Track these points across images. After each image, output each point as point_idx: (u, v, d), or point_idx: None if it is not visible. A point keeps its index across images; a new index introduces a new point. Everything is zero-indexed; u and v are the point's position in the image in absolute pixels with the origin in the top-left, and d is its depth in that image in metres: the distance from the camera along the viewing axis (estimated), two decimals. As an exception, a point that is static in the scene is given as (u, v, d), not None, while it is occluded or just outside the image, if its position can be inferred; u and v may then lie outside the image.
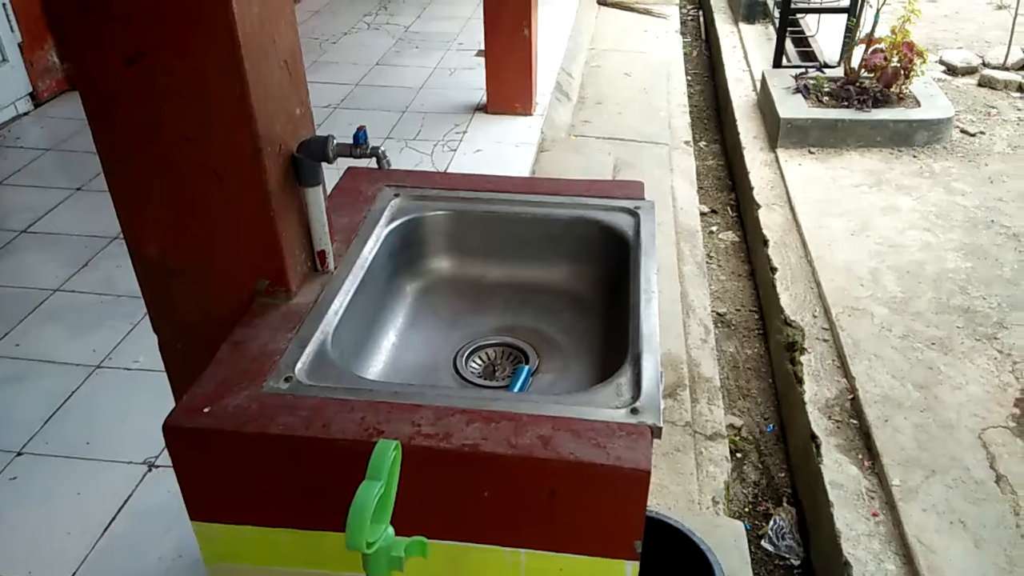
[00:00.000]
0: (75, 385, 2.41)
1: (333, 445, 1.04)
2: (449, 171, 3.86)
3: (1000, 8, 6.28)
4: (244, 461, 1.09)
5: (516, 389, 1.34)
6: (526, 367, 1.42)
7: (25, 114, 4.13)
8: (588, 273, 1.66)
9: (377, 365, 1.42)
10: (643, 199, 1.68)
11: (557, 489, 1.05)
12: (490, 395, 1.18)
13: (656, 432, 1.08)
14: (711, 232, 4.25)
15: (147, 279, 1.32)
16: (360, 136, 1.30)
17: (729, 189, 4.66)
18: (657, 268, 1.58)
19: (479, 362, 1.49)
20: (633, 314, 1.33)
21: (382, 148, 1.32)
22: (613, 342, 1.45)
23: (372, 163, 1.48)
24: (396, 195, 1.67)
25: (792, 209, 3.83)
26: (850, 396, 2.67)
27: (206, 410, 1.08)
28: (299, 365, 1.17)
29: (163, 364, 1.41)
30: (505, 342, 1.53)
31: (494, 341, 1.53)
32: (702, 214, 4.30)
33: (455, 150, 4.07)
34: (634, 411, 1.10)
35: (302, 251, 1.35)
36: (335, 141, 1.29)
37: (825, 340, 2.96)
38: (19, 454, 2.18)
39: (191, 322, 1.33)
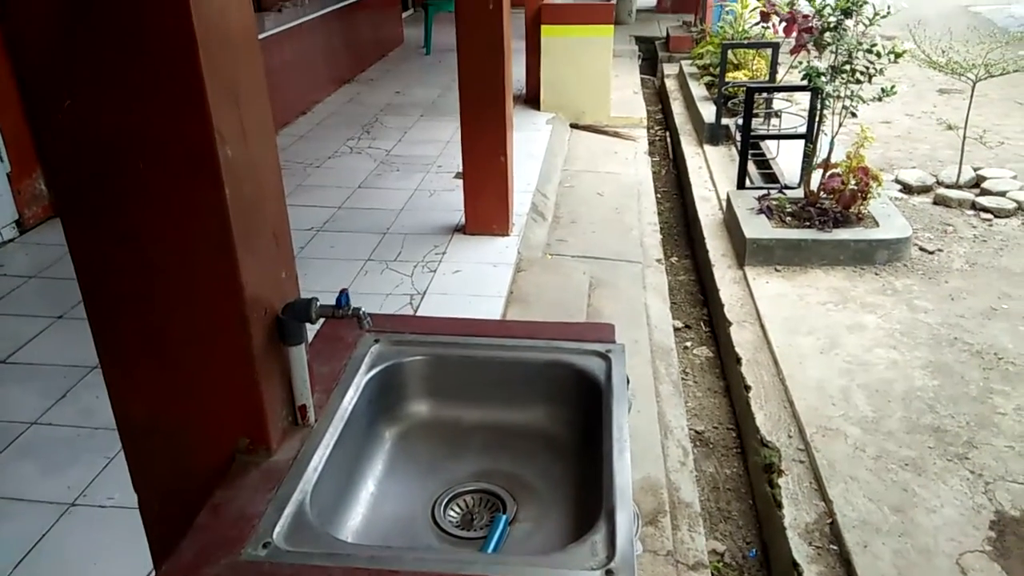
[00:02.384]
0: (47, 525, 2.37)
1: (311, 617, 1.05)
2: (429, 291, 3.95)
3: (949, 128, 6.68)
4: (221, 633, 1.09)
5: (493, 543, 1.36)
6: (503, 517, 1.44)
7: (10, 241, 4.20)
8: (562, 415, 1.71)
9: (355, 518, 1.44)
10: (614, 342, 1.75)
11: (533, 657, 1.06)
12: (468, 557, 1.20)
13: (630, 594, 1.10)
14: (686, 348, 4.34)
15: (130, 439, 1.35)
16: (343, 299, 1.37)
17: (702, 304, 4.79)
18: (631, 399, 1.63)
19: (457, 511, 1.51)
20: (606, 465, 1.37)
21: (362, 309, 1.38)
22: (589, 488, 1.48)
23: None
24: (376, 341, 1.73)
25: (762, 326, 3.93)
26: (829, 520, 2.68)
27: (185, 582, 1.09)
28: (277, 529, 1.19)
29: (141, 522, 1.41)
30: (482, 488, 1.56)
31: (471, 488, 1.55)
32: (676, 330, 4.39)
33: (434, 271, 4.17)
34: (609, 572, 1.13)
35: (283, 407, 1.38)
36: (318, 303, 1.36)
37: (801, 461, 2.99)
38: (-17, 603, 2.12)
39: (172, 481, 1.35)
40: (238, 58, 1.19)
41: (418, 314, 3.75)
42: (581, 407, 1.66)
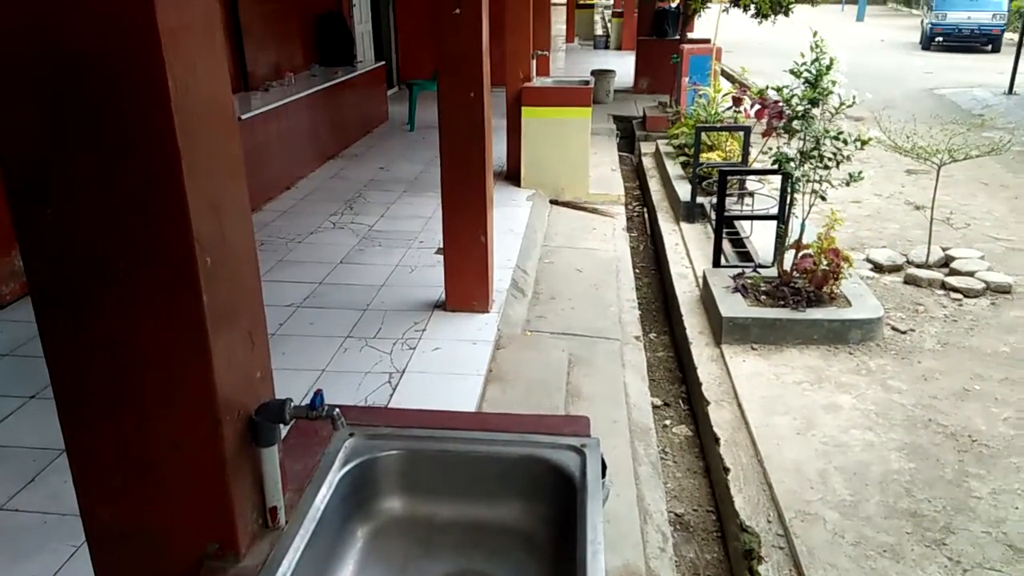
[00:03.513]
0: (4, 621, 2.29)
1: None
2: (408, 370, 3.94)
3: (917, 208, 6.88)
4: None
5: (464, 650, 1.34)
6: (475, 622, 1.42)
7: (-15, 317, 4.17)
8: (537, 511, 1.70)
9: (325, 624, 1.41)
10: (589, 436, 1.76)
11: None
12: (436, 669, 1.18)
13: None
14: (665, 426, 4.34)
15: (97, 541, 1.33)
16: (317, 400, 1.38)
17: (680, 381, 4.81)
18: (609, 485, 1.62)
19: (429, 614, 1.48)
20: (580, 569, 1.36)
21: (337, 410, 1.39)
22: (562, 588, 1.47)
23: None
24: (351, 434, 1.72)
25: (740, 406, 3.95)
26: (808, 610, 2.65)
27: None
28: (244, 641, 1.17)
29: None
30: (455, 590, 1.54)
31: (444, 590, 1.54)
32: (655, 407, 4.40)
33: (414, 348, 4.18)
34: None
35: (254, 510, 1.37)
36: (292, 404, 1.36)
37: (781, 547, 2.97)
38: None
39: (137, 586, 1.33)
40: (220, 169, 1.23)
41: (396, 392, 3.73)
42: (556, 503, 1.66)
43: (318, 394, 1.39)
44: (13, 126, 1.12)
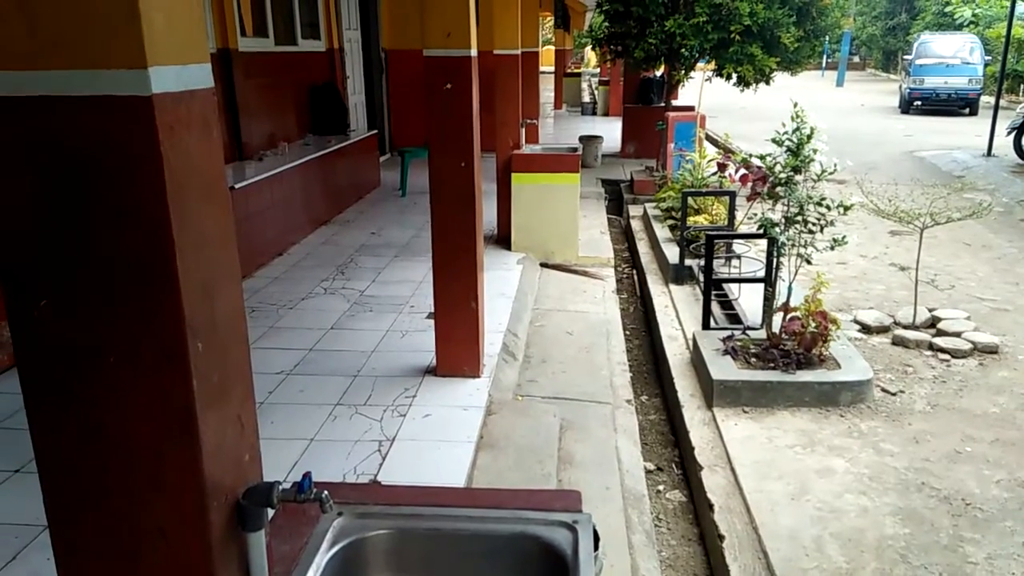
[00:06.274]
0: None
1: None
2: (398, 438, 3.90)
3: (902, 270, 6.98)
4: None
5: None
6: None
7: (-29, 389, 4.13)
8: (528, 590, 1.68)
9: None
10: (580, 511, 1.76)
11: None
12: None
13: None
14: (658, 491, 4.29)
15: (78, 633, 1.30)
16: (305, 483, 1.38)
17: (673, 444, 4.78)
18: (602, 558, 1.61)
19: None
20: (570, 653, 1.35)
21: (325, 493, 1.39)
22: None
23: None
24: (340, 514, 1.71)
25: (733, 471, 3.93)
26: None
27: None
28: None
29: None
30: (445, 675, 1.51)
31: (433, 675, 1.51)
32: (648, 472, 4.36)
33: (404, 415, 4.15)
34: None
35: (240, 597, 1.36)
36: (280, 487, 1.36)
37: (777, 619, 2.92)
38: None
39: None
40: (213, 255, 1.26)
41: (386, 461, 3.70)
42: (547, 582, 1.64)
43: (306, 477, 1.39)
44: (5, 212, 1.14)
